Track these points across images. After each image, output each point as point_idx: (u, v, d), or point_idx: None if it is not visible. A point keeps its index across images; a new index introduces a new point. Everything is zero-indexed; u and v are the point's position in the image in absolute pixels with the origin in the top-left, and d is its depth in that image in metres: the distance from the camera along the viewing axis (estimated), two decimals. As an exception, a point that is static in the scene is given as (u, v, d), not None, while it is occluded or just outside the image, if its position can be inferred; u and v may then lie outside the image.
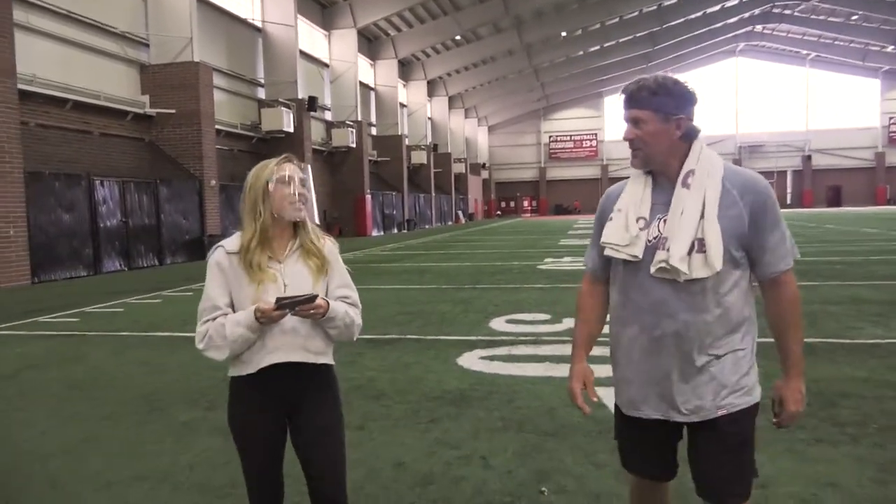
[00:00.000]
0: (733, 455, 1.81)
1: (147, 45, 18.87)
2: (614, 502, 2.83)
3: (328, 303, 1.99)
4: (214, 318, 1.99)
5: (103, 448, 3.72)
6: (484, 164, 60.52)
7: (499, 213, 64.10)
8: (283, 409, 2.06)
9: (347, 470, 2.13)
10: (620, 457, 2.03)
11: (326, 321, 2.00)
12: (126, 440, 3.85)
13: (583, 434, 3.64)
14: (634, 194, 1.86)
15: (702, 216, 1.75)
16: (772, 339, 1.87)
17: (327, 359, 2.09)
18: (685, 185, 1.79)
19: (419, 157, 41.29)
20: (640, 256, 1.81)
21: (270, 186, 2.01)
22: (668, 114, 1.79)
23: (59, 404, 4.63)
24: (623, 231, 1.83)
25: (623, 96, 1.87)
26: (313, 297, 1.91)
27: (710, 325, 1.78)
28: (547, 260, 14.85)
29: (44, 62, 15.14)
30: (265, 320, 1.91)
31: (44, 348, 6.64)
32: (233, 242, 2.05)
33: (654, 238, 1.80)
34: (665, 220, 1.79)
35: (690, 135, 1.81)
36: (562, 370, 4.97)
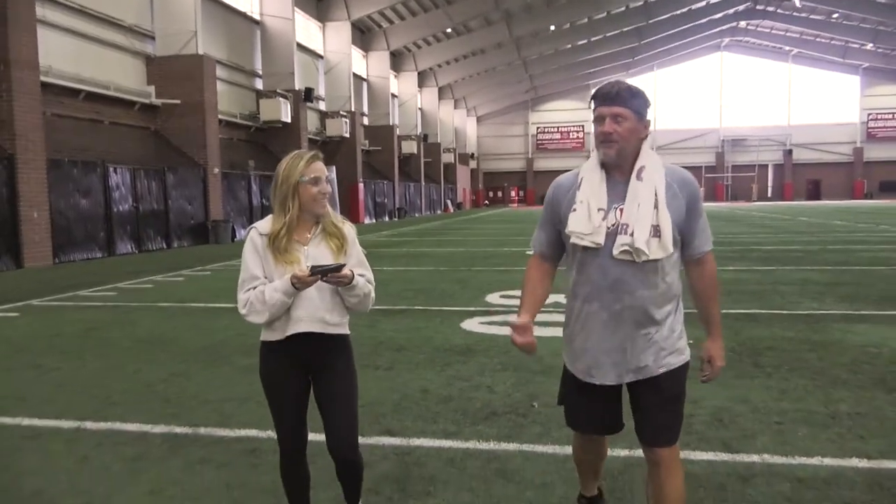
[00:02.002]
0: (671, 405, 2.14)
1: (153, 38, 19.65)
2: (585, 411, 3.90)
3: (353, 272, 2.27)
4: (254, 287, 2.26)
5: (191, 380, 4.74)
6: (472, 154, 61.50)
7: (486, 202, 65.15)
8: (305, 371, 2.35)
9: (359, 422, 2.44)
10: (568, 418, 2.30)
11: (349, 289, 2.28)
12: (206, 375, 4.87)
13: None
14: (592, 188, 2.10)
15: (655, 206, 2.02)
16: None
17: (343, 329, 2.36)
18: (639, 178, 2.05)
19: (409, 147, 42.21)
20: (602, 244, 2.05)
21: (301, 185, 2.27)
22: (642, 115, 2.07)
23: (136, 354, 5.63)
24: (587, 221, 2.06)
25: (600, 95, 2.07)
26: (341, 266, 2.21)
27: (658, 298, 2.07)
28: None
29: (58, 54, 15.91)
30: (300, 286, 2.19)
31: (98, 315, 7.62)
32: (265, 225, 2.31)
33: (613, 225, 2.04)
34: (621, 210, 2.04)
35: (645, 136, 2.11)
36: (547, 331, 6.02)
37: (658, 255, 2.01)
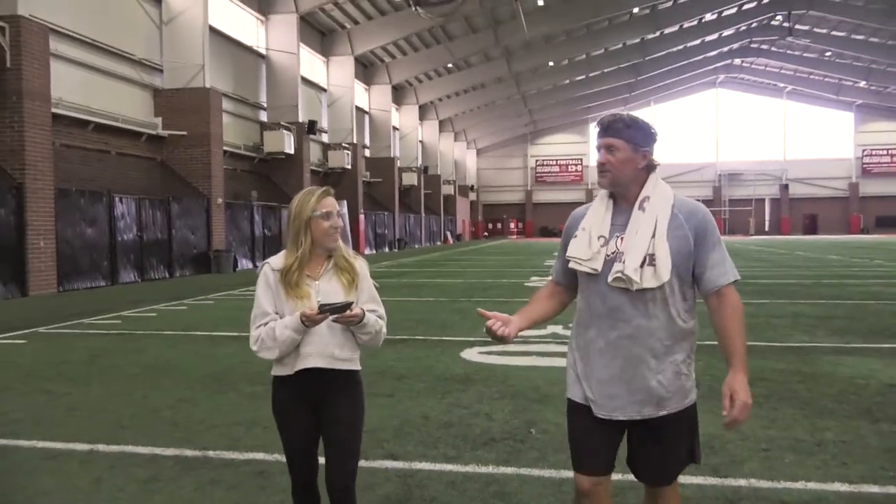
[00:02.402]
0: (668, 451, 2.11)
1: (161, 71, 20.09)
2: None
3: (363, 311, 2.31)
4: (266, 324, 2.30)
5: (198, 406, 4.88)
6: (472, 187, 62.05)
7: (486, 234, 65.50)
8: (314, 405, 2.37)
9: (359, 458, 2.44)
10: (579, 463, 2.16)
11: (360, 327, 2.31)
12: (212, 401, 5.02)
13: (561, 401, 4.85)
14: (597, 216, 2.14)
15: (653, 235, 2.03)
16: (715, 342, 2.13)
17: (353, 365, 2.38)
18: (641, 208, 2.07)
19: (410, 179, 42.65)
20: (599, 270, 2.07)
21: (312, 220, 2.32)
22: (637, 145, 2.08)
23: (142, 381, 5.77)
24: (586, 248, 2.10)
25: (599, 126, 2.13)
26: (349, 304, 2.24)
27: (658, 330, 2.03)
28: (533, 278, 16.11)
29: (68, 86, 16.28)
30: (309, 324, 2.23)
31: (103, 343, 7.76)
32: (278, 260, 2.36)
33: (612, 253, 2.07)
34: (622, 238, 2.07)
35: (650, 167, 2.12)
36: (545, 361, 6.19)
37: (651, 283, 2.00)
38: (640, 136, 2.09)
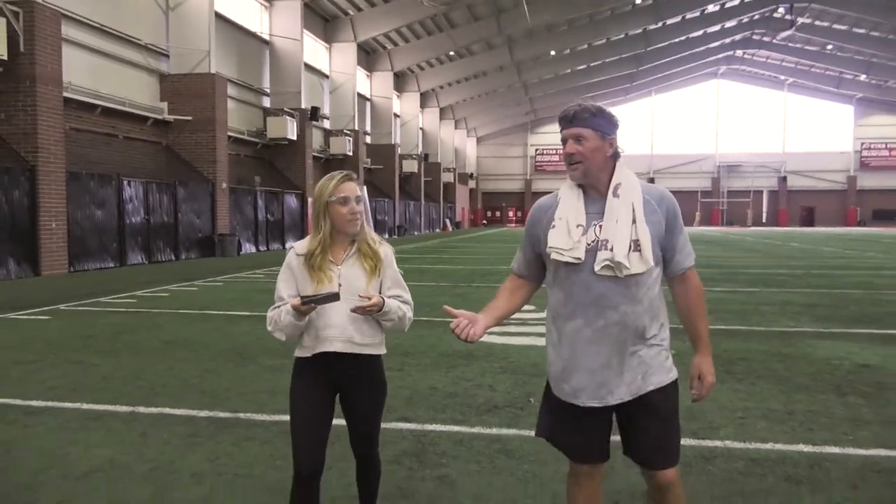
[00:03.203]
0: (666, 424, 2.12)
1: (167, 56, 20.35)
2: (575, 407, 4.46)
3: (383, 299, 2.30)
4: (278, 307, 2.36)
5: (223, 376, 5.28)
6: (472, 174, 62.34)
7: (485, 221, 65.88)
8: (332, 388, 2.40)
9: (378, 438, 2.51)
10: (564, 450, 2.22)
11: (381, 315, 2.32)
12: (235, 372, 5.42)
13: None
14: (570, 205, 2.12)
15: (633, 221, 2.04)
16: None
17: (373, 350, 2.38)
18: (616, 195, 2.07)
19: (410, 166, 42.95)
20: (582, 258, 2.06)
21: (331, 205, 2.34)
22: (605, 133, 2.07)
23: (166, 354, 6.17)
24: (566, 237, 2.07)
25: (562, 118, 2.12)
26: (334, 295, 2.23)
27: (642, 314, 2.07)
28: (531, 265, 16.49)
29: (78, 70, 16.56)
30: (296, 315, 2.27)
31: (123, 320, 8.15)
32: (303, 245, 2.40)
33: (593, 242, 2.06)
34: (601, 226, 2.06)
35: (616, 155, 2.12)
36: (543, 341, 6.59)
37: (639, 268, 2.03)
38: (606, 123, 2.09)
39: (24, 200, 13.41)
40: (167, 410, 4.36)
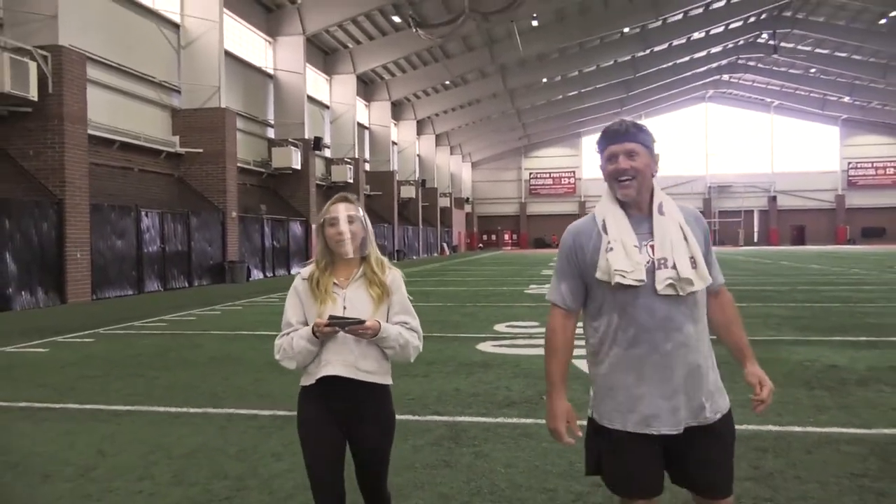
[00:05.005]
0: (729, 453, 2.07)
1: (178, 92, 21.30)
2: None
3: (380, 324, 2.25)
4: (288, 334, 2.34)
5: (273, 384, 6.03)
6: (467, 199, 63.44)
7: (481, 245, 66.78)
8: (340, 421, 2.32)
9: (387, 472, 2.45)
10: (615, 484, 2.07)
11: (379, 340, 2.27)
12: (283, 381, 6.15)
13: (571, 379, 6.04)
14: (621, 227, 2.03)
15: (685, 238, 2.01)
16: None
17: (380, 379, 2.32)
18: (661, 213, 2.03)
19: (408, 192, 43.94)
20: (645, 280, 1.98)
21: (324, 226, 2.36)
22: (652, 150, 2.06)
23: (215, 368, 6.91)
24: (626, 259, 1.99)
25: (609, 133, 2.06)
26: (361, 321, 2.20)
27: (702, 333, 2.04)
28: (531, 286, 17.32)
29: (97, 108, 17.42)
30: (320, 334, 2.22)
31: (163, 341, 8.89)
32: (308, 270, 2.40)
33: (649, 262, 2.00)
34: (652, 246, 2.01)
35: (656, 172, 2.08)
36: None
37: (700, 285, 2.01)
38: (651, 140, 2.08)
39: (52, 233, 14.18)
40: (234, 410, 5.11)
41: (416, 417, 4.83)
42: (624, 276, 1.99)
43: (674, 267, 1.99)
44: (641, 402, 2.02)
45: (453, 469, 3.78)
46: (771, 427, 4.44)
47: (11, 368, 7.06)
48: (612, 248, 2.02)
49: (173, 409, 5.19)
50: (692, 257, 2.01)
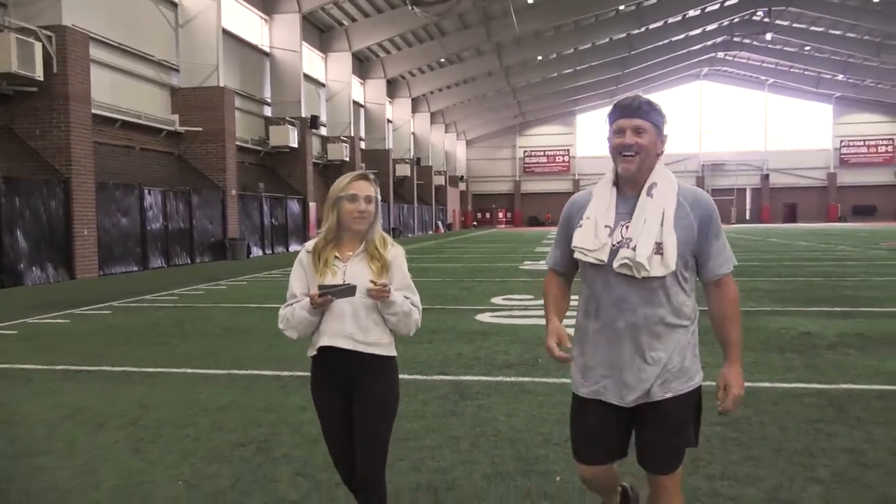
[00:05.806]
0: (675, 434, 2.09)
1: (177, 70, 21.50)
2: (573, 364, 5.73)
3: (391, 289, 2.30)
4: (290, 305, 2.38)
5: (288, 350, 6.48)
6: (462, 177, 63.72)
7: (475, 223, 67.20)
8: (344, 393, 2.35)
9: (388, 450, 2.38)
10: (573, 446, 2.24)
11: (387, 306, 2.30)
12: (297, 347, 6.56)
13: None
14: (600, 205, 2.09)
15: (661, 224, 2.01)
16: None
17: (381, 350, 2.33)
18: (649, 194, 2.04)
19: (403, 170, 44.23)
20: (606, 261, 2.04)
21: (340, 201, 2.34)
22: (661, 129, 2.06)
23: (230, 337, 7.37)
24: (592, 237, 2.05)
25: (620, 108, 2.06)
26: (351, 289, 2.22)
27: (662, 318, 2.05)
28: (526, 262, 17.80)
29: (99, 87, 17.65)
30: (315, 305, 2.26)
31: (176, 313, 9.33)
32: (313, 243, 2.43)
33: (618, 242, 2.04)
34: (627, 226, 2.04)
35: (660, 153, 2.08)
36: (543, 321, 7.86)
37: (658, 272, 2.00)
38: (662, 119, 2.09)
39: (60, 210, 14.53)
40: (256, 372, 5.59)
41: (424, 377, 5.32)
42: (585, 254, 2.09)
43: (633, 248, 2.02)
44: (594, 371, 2.13)
45: (460, 417, 4.26)
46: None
47: (39, 336, 7.50)
48: (581, 225, 2.12)
49: (199, 371, 5.66)
50: (659, 243, 2.02)
